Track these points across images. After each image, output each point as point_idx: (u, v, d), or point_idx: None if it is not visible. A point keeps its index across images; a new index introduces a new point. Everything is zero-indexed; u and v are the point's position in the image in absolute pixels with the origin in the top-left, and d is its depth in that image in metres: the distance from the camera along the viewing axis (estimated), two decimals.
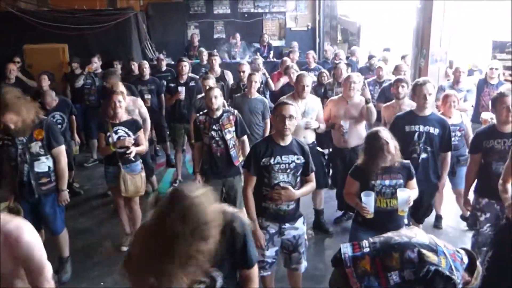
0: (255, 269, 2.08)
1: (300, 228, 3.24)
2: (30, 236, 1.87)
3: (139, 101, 5.36)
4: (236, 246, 1.92)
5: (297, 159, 3.10)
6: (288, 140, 3.12)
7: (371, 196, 2.99)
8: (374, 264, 2.28)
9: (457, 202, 4.74)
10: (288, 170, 3.08)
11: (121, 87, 4.74)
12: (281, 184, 3.05)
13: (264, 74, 6.74)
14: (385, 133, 3.08)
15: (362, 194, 3.02)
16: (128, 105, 4.82)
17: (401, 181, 3.10)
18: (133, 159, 4.27)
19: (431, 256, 2.15)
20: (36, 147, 3.59)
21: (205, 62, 7.64)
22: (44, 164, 3.66)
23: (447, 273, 2.11)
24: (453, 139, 4.13)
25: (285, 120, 3.01)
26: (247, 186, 3.19)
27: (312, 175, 3.25)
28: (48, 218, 3.79)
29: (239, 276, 2.08)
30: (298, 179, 3.14)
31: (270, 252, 3.19)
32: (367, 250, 2.32)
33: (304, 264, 3.35)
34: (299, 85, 4.46)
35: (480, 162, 3.64)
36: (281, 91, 6.20)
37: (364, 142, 3.24)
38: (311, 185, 3.27)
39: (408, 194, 3.01)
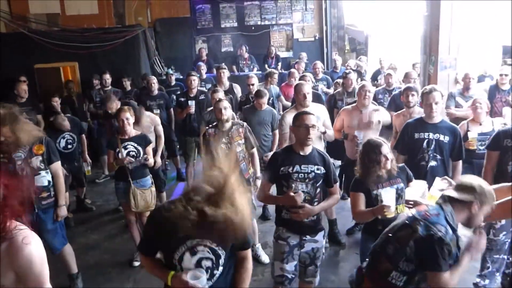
0: (250, 251, 2.28)
1: (320, 242, 3.20)
2: (34, 250, 1.71)
3: (157, 119, 5.49)
4: None
5: (317, 169, 3.07)
6: (308, 150, 3.10)
7: (392, 192, 2.90)
8: (372, 280, 2.26)
9: None
10: (307, 180, 3.05)
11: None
12: (297, 196, 2.95)
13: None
14: (385, 149, 2.99)
15: (382, 192, 2.93)
16: (145, 121, 4.93)
17: (402, 184, 3.05)
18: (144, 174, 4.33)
19: (409, 234, 2.25)
20: (36, 161, 3.59)
21: (204, 76, 7.78)
22: (44, 179, 3.64)
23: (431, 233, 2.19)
24: (482, 148, 4.10)
25: (309, 129, 3.02)
26: (262, 190, 3.26)
27: (336, 186, 3.20)
28: (49, 235, 3.68)
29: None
30: (318, 190, 3.09)
31: (290, 267, 3.13)
32: (364, 270, 2.32)
33: (317, 278, 3.31)
34: (300, 95, 4.38)
35: (496, 161, 3.58)
36: None
37: (361, 149, 3.10)
38: (334, 198, 3.21)
39: (414, 189, 3.03)
